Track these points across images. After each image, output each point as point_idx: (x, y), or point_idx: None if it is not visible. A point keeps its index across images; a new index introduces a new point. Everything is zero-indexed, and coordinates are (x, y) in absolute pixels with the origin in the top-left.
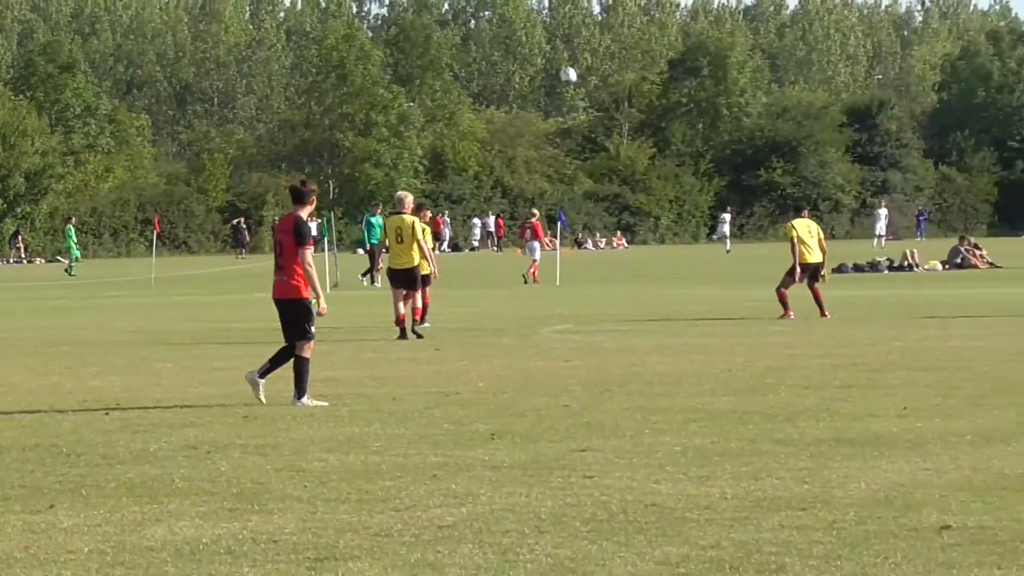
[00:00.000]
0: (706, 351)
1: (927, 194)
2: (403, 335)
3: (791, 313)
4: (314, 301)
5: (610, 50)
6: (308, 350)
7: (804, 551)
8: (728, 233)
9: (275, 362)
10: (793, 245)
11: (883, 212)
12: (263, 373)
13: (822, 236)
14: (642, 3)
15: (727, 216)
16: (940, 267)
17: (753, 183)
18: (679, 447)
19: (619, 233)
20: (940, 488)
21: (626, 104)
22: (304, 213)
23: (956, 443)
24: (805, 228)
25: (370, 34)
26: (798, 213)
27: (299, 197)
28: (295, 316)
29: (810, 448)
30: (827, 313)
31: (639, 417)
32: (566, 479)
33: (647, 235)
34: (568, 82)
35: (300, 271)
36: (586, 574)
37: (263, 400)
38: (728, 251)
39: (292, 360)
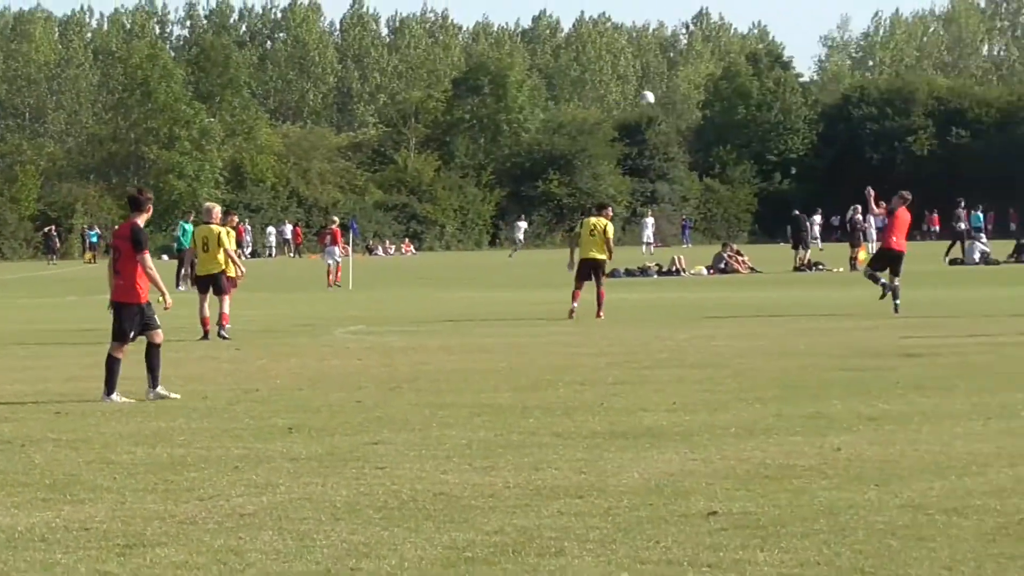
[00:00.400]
0: (490, 350)
1: (693, 204)
2: (206, 336)
3: (575, 304)
4: (159, 299)
5: (398, 69)
6: (120, 351)
7: (582, 536)
8: (522, 240)
9: (151, 368)
10: (571, 242)
11: (650, 221)
12: (153, 383)
13: (610, 236)
14: (427, 26)
15: (522, 224)
16: (705, 272)
17: (532, 193)
18: (465, 440)
19: (407, 240)
20: (707, 477)
21: (413, 120)
22: (141, 220)
23: (721, 435)
24: (589, 226)
25: (172, 54)
26: (598, 211)
27: (136, 205)
28: (124, 318)
29: (586, 440)
30: (602, 314)
31: (427, 412)
32: (360, 470)
33: (434, 242)
34: (648, 104)
35: (137, 275)
36: (379, 558)
37: (176, 396)
38: (510, 256)
39: (154, 354)
